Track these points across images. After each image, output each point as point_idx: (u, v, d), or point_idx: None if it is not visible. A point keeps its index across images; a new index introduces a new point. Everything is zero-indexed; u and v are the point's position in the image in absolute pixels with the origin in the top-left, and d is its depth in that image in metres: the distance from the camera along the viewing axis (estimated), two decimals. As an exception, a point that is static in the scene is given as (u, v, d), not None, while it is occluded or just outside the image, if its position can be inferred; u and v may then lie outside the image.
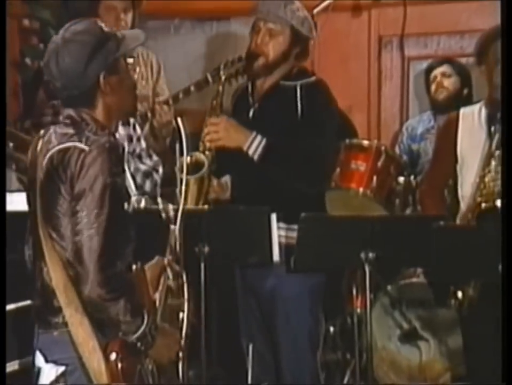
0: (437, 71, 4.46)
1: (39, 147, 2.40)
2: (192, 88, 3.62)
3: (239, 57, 3.41)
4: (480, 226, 3.17)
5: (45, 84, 4.15)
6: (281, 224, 3.29)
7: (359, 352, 3.74)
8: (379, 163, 3.50)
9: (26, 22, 4.58)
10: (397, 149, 4.52)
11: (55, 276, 2.30)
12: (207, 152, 3.32)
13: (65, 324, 2.31)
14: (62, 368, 2.33)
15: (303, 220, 3.16)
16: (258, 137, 3.28)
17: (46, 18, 4.50)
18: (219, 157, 3.38)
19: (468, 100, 4.17)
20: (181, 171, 3.14)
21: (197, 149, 3.34)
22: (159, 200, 2.94)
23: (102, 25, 2.39)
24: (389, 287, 4.15)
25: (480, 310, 3.20)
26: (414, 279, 4.05)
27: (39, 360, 2.38)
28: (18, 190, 3.23)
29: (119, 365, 2.28)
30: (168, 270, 2.46)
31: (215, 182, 3.39)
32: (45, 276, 2.34)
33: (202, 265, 3.21)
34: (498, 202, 3.15)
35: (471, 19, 4.58)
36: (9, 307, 3.09)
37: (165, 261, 2.46)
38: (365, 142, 3.62)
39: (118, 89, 2.38)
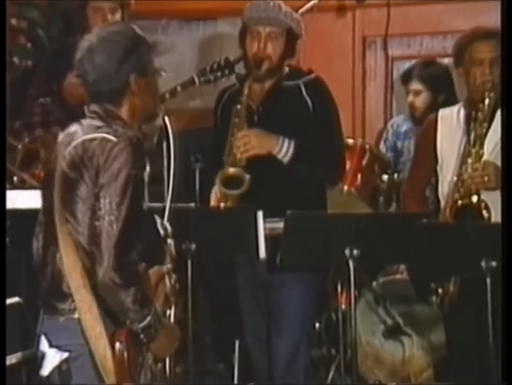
0: (410, 88, 4.46)
1: (60, 139, 2.47)
2: (179, 88, 3.61)
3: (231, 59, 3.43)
4: (462, 224, 3.18)
5: (35, 83, 4.13)
6: (267, 218, 3.29)
7: (344, 347, 3.76)
8: (364, 162, 3.52)
9: (14, 21, 4.55)
10: (382, 146, 4.52)
11: (68, 260, 2.34)
12: (238, 167, 3.35)
13: (72, 310, 2.36)
14: (66, 354, 2.36)
15: (289, 217, 3.16)
16: (286, 140, 3.33)
17: (33, 18, 4.48)
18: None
19: (448, 103, 4.15)
20: (221, 183, 3.22)
21: (186, 153, 3.36)
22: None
23: (136, 28, 2.49)
24: (373, 283, 4.15)
25: (461, 307, 3.20)
26: (398, 276, 4.06)
27: (44, 344, 2.40)
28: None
29: (125, 354, 2.32)
30: (166, 278, 2.48)
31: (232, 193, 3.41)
32: (57, 262, 2.38)
33: (189, 262, 3.20)
34: (474, 199, 3.16)
35: (453, 20, 4.59)
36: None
37: (165, 269, 2.49)
38: (350, 141, 3.64)
39: (144, 91, 2.47)
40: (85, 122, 2.45)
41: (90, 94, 2.46)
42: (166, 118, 2.57)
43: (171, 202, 2.59)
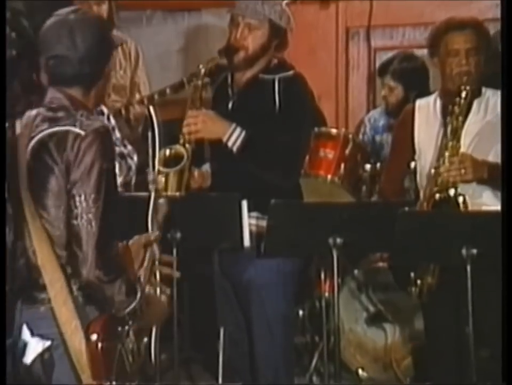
0: (385, 83, 4.46)
1: (18, 130, 2.38)
2: (168, 90, 3.59)
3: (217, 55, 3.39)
4: (442, 212, 3.18)
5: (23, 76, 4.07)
6: (254, 214, 3.27)
7: (327, 334, 3.76)
8: (347, 151, 3.51)
9: (-3, 11, 4.50)
10: (361, 140, 4.51)
11: (42, 254, 2.30)
12: (187, 145, 3.29)
13: (50, 300, 2.32)
14: (48, 342, 2.33)
15: (272, 206, 3.15)
16: (238, 129, 3.27)
17: (17, 8, 4.43)
18: (199, 147, 3.36)
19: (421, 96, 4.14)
20: (161, 163, 3.14)
21: (177, 142, 3.31)
22: (150, 174, 2.94)
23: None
24: (356, 271, 4.16)
25: (439, 296, 3.21)
26: (380, 264, 4.06)
27: (25, 333, 2.37)
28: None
29: (99, 345, 2.27)
30: (154, 245, 2.45)
31: (196, 172, 3.37)
32: (30, 255, 2.34)
33: (174, 251, 3.18)
34: (451, 192, 3.16)
35: (435, 12, 4.60)
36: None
37: (152, 237, 2.45)
38: (334, 130, 3.63)
39: (108, 80, 2.45)
40: (45, 112, 2.36)
41: (61, 77, 2.36)
42: (151, 108, 2.55)
43: (156, 191, 2.56)
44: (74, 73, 2.36)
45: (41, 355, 2.33)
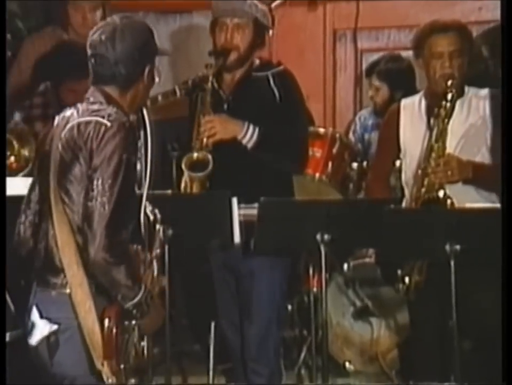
0: (372, 83, 4.52)
1: (56, 122, 2.51)
2: (160, 98, 3.63)
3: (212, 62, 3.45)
4: (427, 209, 3.23)
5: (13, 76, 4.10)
6: (242, 205, 3.33)
7: (315, 328, 3.80)
8: (334, 150, 3.55)
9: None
10: (351, 138, 4.57)
11: (62, 237, 2.38)
12: (203, 150, 3.36)
13: (64, 285, 2.40)
14: (55, 326, 2.40)
15: (262, 204, 3.19)
16: (251, 126, 3.36)
17: (13, 10, 4.46)
18: None
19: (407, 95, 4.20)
20: (187, 167, 3.24)
21: (168, 142, 3.39)
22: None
23: (151, 25, 2.58)
24: (343, 267, 4.20)
25: (425, 292, 3.26)
26: (367, 260, 4.11)
27: (34, 315, 2.44)
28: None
29: (114, 330, 2.35)
30: (155, 262, 2.55)
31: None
32: (50, 239, 2.43)
33: (166, 247, 3.22)
34: (441, 194, 3.20)
35: (419, 14, 4.64)
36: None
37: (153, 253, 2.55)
38: (321, 130, 3.67)
39: (149, 85, 2.54)
40: (81, 106, 2.49)
41: (99, 76, 2.48)
42: (143, 109, 2.59)
43: (148, 189, 2.61)
44: (110, 73, 2.46)
45: (47, 338, 2.39)
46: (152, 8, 4.96)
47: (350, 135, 4.61)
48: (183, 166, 3.34)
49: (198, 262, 3.63)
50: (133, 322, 2.43)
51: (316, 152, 3.60)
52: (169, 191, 3.38)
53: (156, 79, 2.57)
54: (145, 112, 2.61)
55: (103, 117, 2.41)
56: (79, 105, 2.51)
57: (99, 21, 3.97)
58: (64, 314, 2.39)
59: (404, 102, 3.49)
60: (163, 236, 3.19)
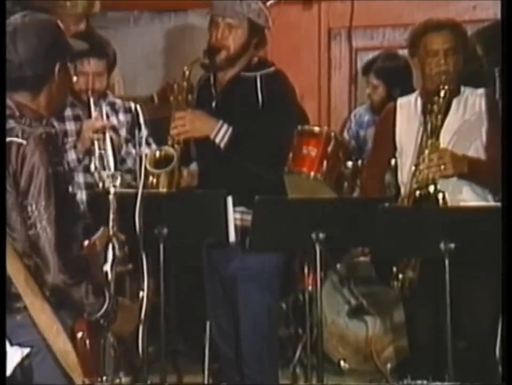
0: (369, 81, 4.50)
1: None
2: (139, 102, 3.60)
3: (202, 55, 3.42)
4: (421, 207, 3.22)
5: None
6: (239, 208, 3.30)
7: (310, 327, 3.79)
8: (329, 149, 3.52)
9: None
10: (346, 135, 4.56)
11: (12, 266, 2.27)
12: (175, 146, 3.32)
13: (27, 308, 2.29)
14: (27, 350, 2.30)
15: (257, 202, 3.17)
16: (225, 126, 3.31)
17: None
18: (186, 146, 3.39)
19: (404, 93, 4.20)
20: (151, 164, 3.17)
21: (163, 139, 3.34)
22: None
23: (59, 22, 2.39)
24: (338, 265, 4.19)
25: (420, 289, 3.25)
26: (361, 258, 4.10)
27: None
28: None
29: (87, 342, 2.28)
30: (114, 240, 2.45)
31: (185, 171, 3.40)
32: (6, 266, 2.29)
33: (161, 246, 3.21)
34: (431, 188, 3.19)
35: (414, 13, 4.64)
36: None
37: (110, 231, 2.45)
38: (316, 128, 3.64)
39: (63, 84, 2.38)
40: None
41: (8, 80, 2.31)
42: (138, 107, 2.55)
43: (143, 187, 2.59)
44: (17, 77, 2.31)
45: (20, 363, 2.29)
46: (147, 6, 4.95)
47: (345, 132, 4.60)
48: (147, 163, 3.24)
49: (193, 261, 3.61)
50: (103, 330, 2.35)
51: (311, 150, 3.57)
52: (164, 190, 3.35)
53: (74, 78, 2.45)
54: (139, 109, 2.57)
55: (17, 136, 2.23)
56: None
57: None
58: (34, 336, 2.29)
59: (401, 101, 3.48)
60: (157, 234, 3.20)
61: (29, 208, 2.22)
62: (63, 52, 2.37)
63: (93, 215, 2.75)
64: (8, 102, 2.33)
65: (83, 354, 2.27)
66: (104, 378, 2.32)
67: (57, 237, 2.22)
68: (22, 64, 2.30)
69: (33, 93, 2.33)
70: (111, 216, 2.46)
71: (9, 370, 2.29)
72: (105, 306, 2.30)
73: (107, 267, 2.43)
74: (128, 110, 3.72)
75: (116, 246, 2.45)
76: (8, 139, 2.25)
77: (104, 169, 3.39)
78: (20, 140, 2.24)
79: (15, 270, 2.26)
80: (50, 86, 2.35)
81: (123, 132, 3.72)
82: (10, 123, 2.28)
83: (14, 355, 2.30)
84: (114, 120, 3.68)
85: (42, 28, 2.33)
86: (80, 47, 2.51)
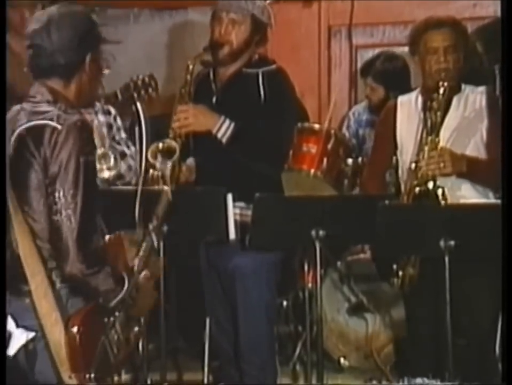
0: (367, 82, 4.50)
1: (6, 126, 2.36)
2: (102, 101, 3.58)
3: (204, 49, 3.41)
4: (421, 205, 3.22)
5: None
6: (238, 203, 3.29)
7: (310, 324, 3.78)
8: (329, 146, 3.51)
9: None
10: (345, 133, 4.54)
11: (24, 247, 2.28)
12: (177, 139, 3.31)
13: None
14: (32, 334, 2.32)
15: (257, 200, 3.17)
16: (227, 121, 3.31)
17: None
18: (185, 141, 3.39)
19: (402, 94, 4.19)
20: (153, 157, 3.17)
21: (163, 137, 3.33)
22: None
23: (93, 15, 2.44)
24: (338, 263, 4.18)
25: (420, 286, 3.24)
26: (361, 256, 4.09)
27: (11, 324, 2.36)
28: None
29: (77, 338, 2.25)
30: (148, 238, 2.47)
31: (183, 166, 3.39)
32: (14, 248, 2.33)
33: (161, 243, 3.20)
34: (430, 185, 3.18)
35: (414, 11, 4.64)
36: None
37: (150, 227, 2.48)
38: (316, 126, 3.63)
39: (94, 75, 2.42)
40: (27, 106, 2.35)
41: (39, 68, 2.36)
42: (138, 104, 2.54)
43: (143, 184, 2.58)
44: (48, 64, 2.35)
45: (25, 346, 2.31)
46: (147, 4, 4.94)
47: (344, 130, 4.59)
48: (148, 155, 3.23)
49: (193, 258, 3.60)
50: (112, 319, 2.33)
51: (311, 148, 3.56)
52: (164, 187, 3.33)
53: (106, 71, 2.45)
54: (139, 106, 2.55)
55: (52, 119, 2.27)
56: (25, 105, 2.35)
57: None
58: (37, 321, 2.29)
59: (401, 99, 3.48)
60: (158, 232, 3.19)
61: (57, 194, 2.24)
62: (95, 43, 2.41)
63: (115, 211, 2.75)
64: (39, 88, 2.35)
65: (73, 349, 2.25)
66: (92, 375, 2.29)
67: (80, 227, 2.24)
68: (54, 53, 2.34)
69: (65, 81, 2.37)
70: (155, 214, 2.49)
71: (13, 350, 2.31)
72: (122, 294, 2.30)
73: (136, 261, 2.42)
74: (106, 112, 3.69)
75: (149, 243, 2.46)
76: (42, 121, 2.27)
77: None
78: (54, 124, 2.27)
79: (27, 251, 2.28)
80: (80, 75, 2.38)
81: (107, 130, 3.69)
82: (43, 106, 2.31)
83: (19, 337, 2.32)
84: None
85: (76, 19, 2.38)
86: (113, 40, 2.51)
